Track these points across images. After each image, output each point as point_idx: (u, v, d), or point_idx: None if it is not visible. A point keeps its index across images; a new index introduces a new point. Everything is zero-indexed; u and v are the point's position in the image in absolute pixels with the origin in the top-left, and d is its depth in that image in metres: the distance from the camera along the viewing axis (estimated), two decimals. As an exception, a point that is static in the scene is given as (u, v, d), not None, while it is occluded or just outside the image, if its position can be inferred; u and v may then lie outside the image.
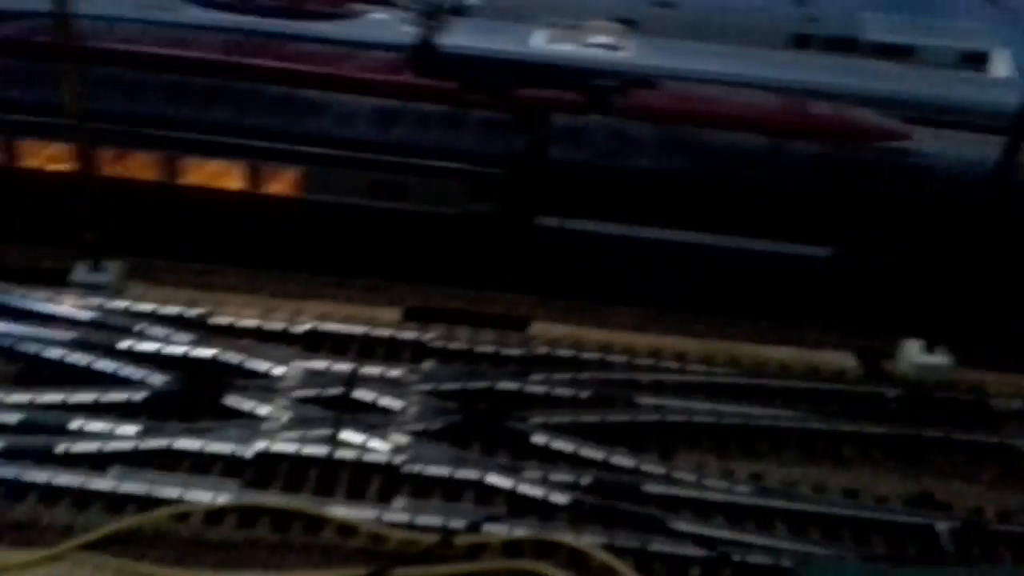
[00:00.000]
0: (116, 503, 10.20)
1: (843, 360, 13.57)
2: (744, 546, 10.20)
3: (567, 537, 10.10)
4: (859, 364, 13.51)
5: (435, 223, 14.07)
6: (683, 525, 10.42)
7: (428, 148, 13.91)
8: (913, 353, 13.41)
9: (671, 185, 13.76)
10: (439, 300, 14.22)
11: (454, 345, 12.89)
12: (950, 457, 11.96)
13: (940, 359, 13.36)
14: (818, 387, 12.76)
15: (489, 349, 12.91)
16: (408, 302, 14.14)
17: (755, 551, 10.14)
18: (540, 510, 10.48)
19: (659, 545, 10.14)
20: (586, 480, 10.90)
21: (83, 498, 10.26)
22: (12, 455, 10.53)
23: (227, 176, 14.16)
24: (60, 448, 10.66)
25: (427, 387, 12.01)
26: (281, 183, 14.21)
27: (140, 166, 14.14)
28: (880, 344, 13.74)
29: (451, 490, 10.72)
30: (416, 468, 10.87)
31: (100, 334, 12.43)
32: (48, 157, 14.21)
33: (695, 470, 11.27)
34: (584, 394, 12.20)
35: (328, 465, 10.88)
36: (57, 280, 13.53)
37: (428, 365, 12.39)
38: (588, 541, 10.05)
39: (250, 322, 12.98)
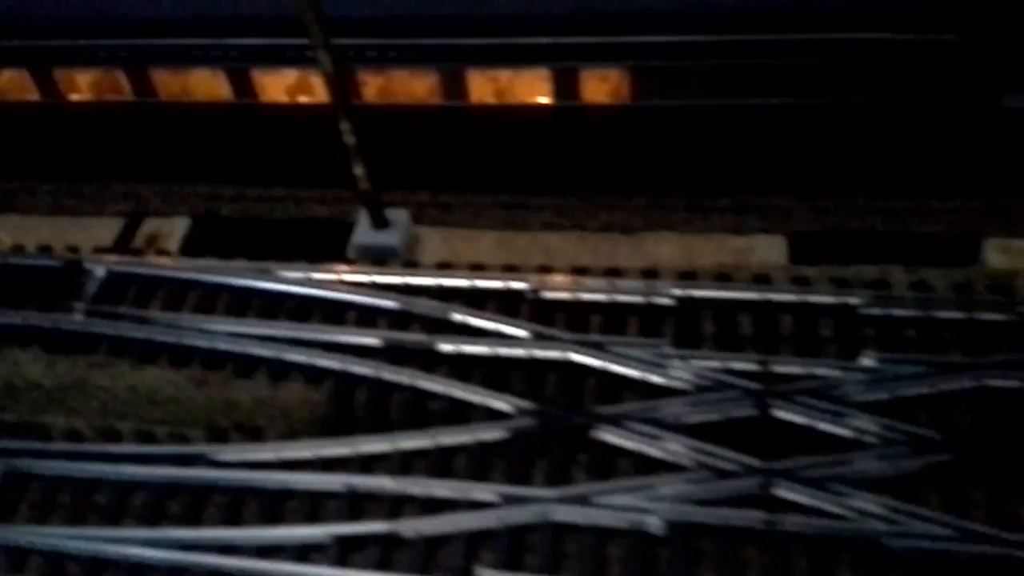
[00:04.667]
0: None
1: None
2: None
3: None
4: None
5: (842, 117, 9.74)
6: None
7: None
8: None
9: None
10: (839, 218, 10.13)
11: (898, 311, 8.84)
12: None
13: None
14: None
15: (953, 314, 8.73)
16: (794, 225, 10.16)
17: None
18: None
19: None
20: None
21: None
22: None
23: (527, 88, 10.33)
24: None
25: (881, 395, 8.26)
26: (603, 88, 10.22)
27: (415, 87, 10.62)
28: None
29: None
30: (899, 542, 7.45)
31: (413, 333, 9.52)
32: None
33: None
34: None
35: (766, 540, 7.68)
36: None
37: (870, 358, 8.50)
38: None
39: (596, 294, 9.55)
